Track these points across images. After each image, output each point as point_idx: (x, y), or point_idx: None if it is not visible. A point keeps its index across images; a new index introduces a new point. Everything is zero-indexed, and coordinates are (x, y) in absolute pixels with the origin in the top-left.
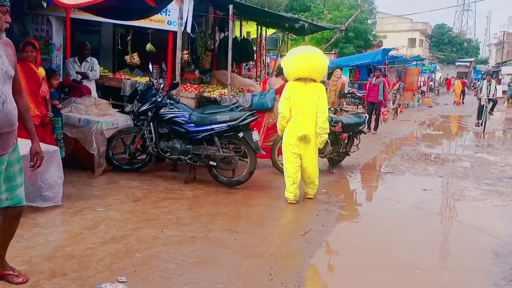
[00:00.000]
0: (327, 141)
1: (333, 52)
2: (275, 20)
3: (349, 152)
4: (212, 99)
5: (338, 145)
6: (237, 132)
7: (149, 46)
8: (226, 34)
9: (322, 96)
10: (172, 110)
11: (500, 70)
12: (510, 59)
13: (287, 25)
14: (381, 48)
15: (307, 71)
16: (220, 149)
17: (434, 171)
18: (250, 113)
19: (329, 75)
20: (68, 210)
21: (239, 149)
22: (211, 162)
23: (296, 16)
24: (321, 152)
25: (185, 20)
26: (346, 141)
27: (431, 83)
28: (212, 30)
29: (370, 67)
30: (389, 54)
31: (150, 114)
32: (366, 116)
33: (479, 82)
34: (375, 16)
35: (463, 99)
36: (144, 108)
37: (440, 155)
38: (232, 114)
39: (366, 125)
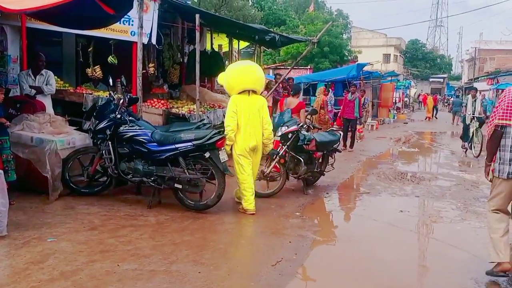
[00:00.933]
0: (301, 160)
1: (309, 67)
2: (244, 32)
3: (324, 172)
4: (181, 115)
5: (312, 164)
6: (203, 152)
7: (110, 58)
8: (195, 46)
9: (265, 107)
10: (132, 128)
11: (473, 86)
12: (482, 75)
13: (257, 37)
14: (356, 63)
15: (251, 83)
16: (186, 171)
17: (410, 191)
18: (217, 131)
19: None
20: (14, 242)
21: (206, 170)
22: (176, 185)
23: (268, 28)
24: (295, 172)
25: (150, 30)
26: (320, 160)
27: (406, 99)
28: (181, 42)
29: (346, 82)
30: (364, 69)
31: (108, 132)
32: (340, 134)
33: (452, 98)
34: (350, 30)
35: (436, 114)
36: (101, 125)
37: (416, 173)
38: (197, 132)
39: (342, 142)
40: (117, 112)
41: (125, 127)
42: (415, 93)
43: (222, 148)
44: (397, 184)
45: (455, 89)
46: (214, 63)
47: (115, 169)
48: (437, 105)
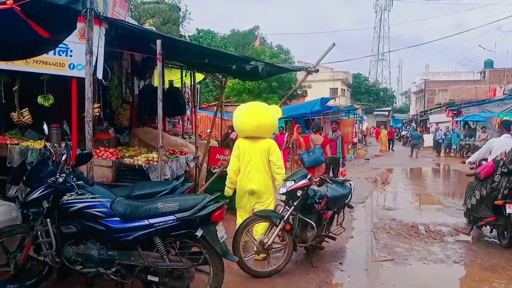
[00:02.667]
0: (312, 224)
1: None
2: (217, 61)
3: (334, 235)
4: (137, 167)
5: (321, 226)
6: (194, 229)
7: (41, 99)
8: (147, 82)
9: (273, 151)
10: (82, 196)
11: (428, 118)
12: (435, 107)
13: (234, 67)
14: (320, 97)
15: (251, 131)
16: (165, 257)
17: (442, 254)
18: (212, 197)
19: None
20: None
21: (196, 254)
22: (150, 277)
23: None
24: (303, 241)
25: (94, 62)
26: (328, 220)
27: (359, 134)
28: (128, 78)
29: (307, 118)
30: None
31: (46, 204)
32: (352, 185)
33: (405, 131)
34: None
35: (392, 147)
36: (36, 195)
37: (429, 225)
38: (183, 200)
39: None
40: (58, 175)
41: (71, 195)
42: (366, 127)
43: (220, 222)
44: (418, 244)
45: (403, 121)
46: (173, 101)
47: (57, 257)
48: (393, 137)
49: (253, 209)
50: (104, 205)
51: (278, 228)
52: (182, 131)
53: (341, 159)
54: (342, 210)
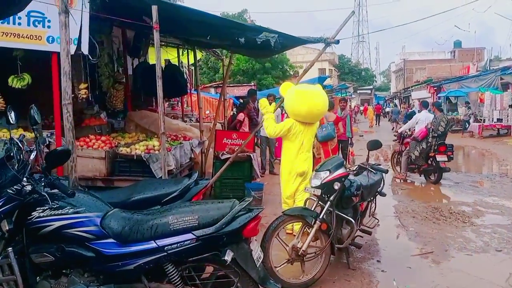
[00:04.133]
0: (349, 220)
1: (252, 84)
2: (223, 33)
3: (369, 228)
4: (135, 157)
5: (356, 221)
6: (221, 250)
7: (13, 80)
8: (141, 60)
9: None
10: (59, 211)
11: (411, 95)
12: (414, 84)
13: (243, 40)
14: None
15: (312, 119)
16: None
17: (479, 241)
18: (244, 204)
19: None
20: None
21: (223, 280)
22: None
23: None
24: (338, 241)
25: (78, 35)
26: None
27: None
28: (120, 55)
29: None
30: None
31: (7, 226)
32: (386, 170)
33: (389, 108)
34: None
35: (378, 123)
36: None
37: (449, 206)
38: (203, 211)
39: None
40: (24, 181)
41: (44, 210)
42: (355, 106)
43: (254, 238)
44: (449, 229)
45: (385, 98)
46: (173, 79)
47: None
48: (380, 113)
49: (296, 190)
50: (92, 221)
51: (314, 229)
52: (181, 113)
53: (350, 139)
54: (374, 199)
